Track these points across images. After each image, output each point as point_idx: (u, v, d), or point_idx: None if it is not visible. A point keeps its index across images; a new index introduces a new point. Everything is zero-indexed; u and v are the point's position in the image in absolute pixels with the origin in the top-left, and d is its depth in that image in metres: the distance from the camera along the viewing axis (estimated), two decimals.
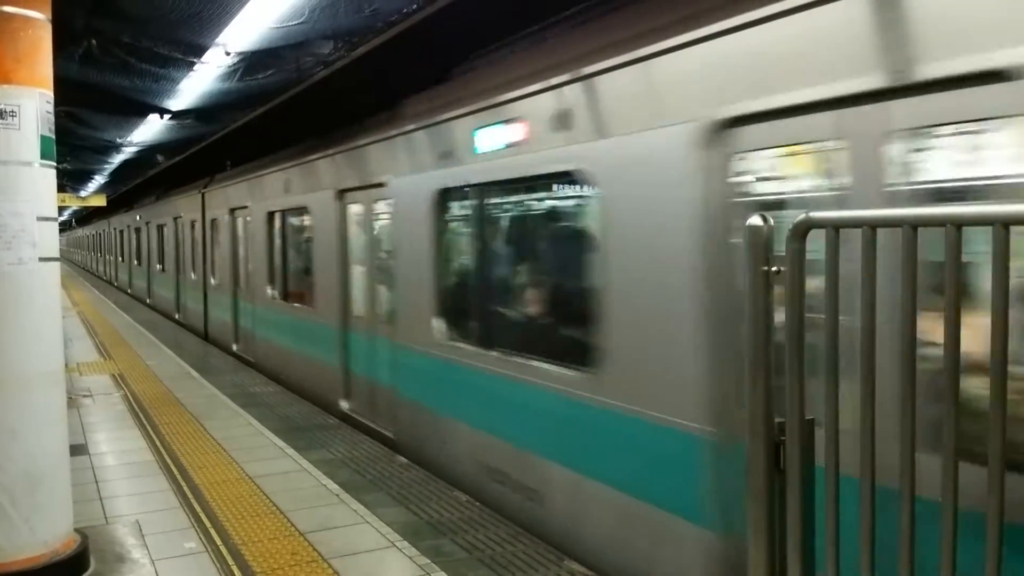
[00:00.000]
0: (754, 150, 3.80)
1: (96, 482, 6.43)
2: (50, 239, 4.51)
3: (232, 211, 13.65)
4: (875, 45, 3.15)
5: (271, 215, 11.57)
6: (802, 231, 2.39)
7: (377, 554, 4.93)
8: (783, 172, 3.82)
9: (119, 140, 14.27)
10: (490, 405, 5.95)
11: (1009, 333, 1.95)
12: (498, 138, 5.76)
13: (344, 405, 8.87)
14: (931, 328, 2.39)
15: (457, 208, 6.77)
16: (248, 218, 12.75)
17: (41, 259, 4.42)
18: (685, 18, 4.14)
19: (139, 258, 25.64)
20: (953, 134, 3.09)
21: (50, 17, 4.50)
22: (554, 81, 5.08)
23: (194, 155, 16.60)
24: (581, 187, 5.18)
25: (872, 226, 2.22)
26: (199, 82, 8.87)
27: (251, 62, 7.86)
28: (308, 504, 5.82)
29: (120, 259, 31.94)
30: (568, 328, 5.48)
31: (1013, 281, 1.97)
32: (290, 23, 6.50)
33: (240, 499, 5.94)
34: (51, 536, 4.48)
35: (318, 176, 9.42)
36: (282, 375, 11.02)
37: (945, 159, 3.16)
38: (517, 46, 6.33)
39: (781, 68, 3.56)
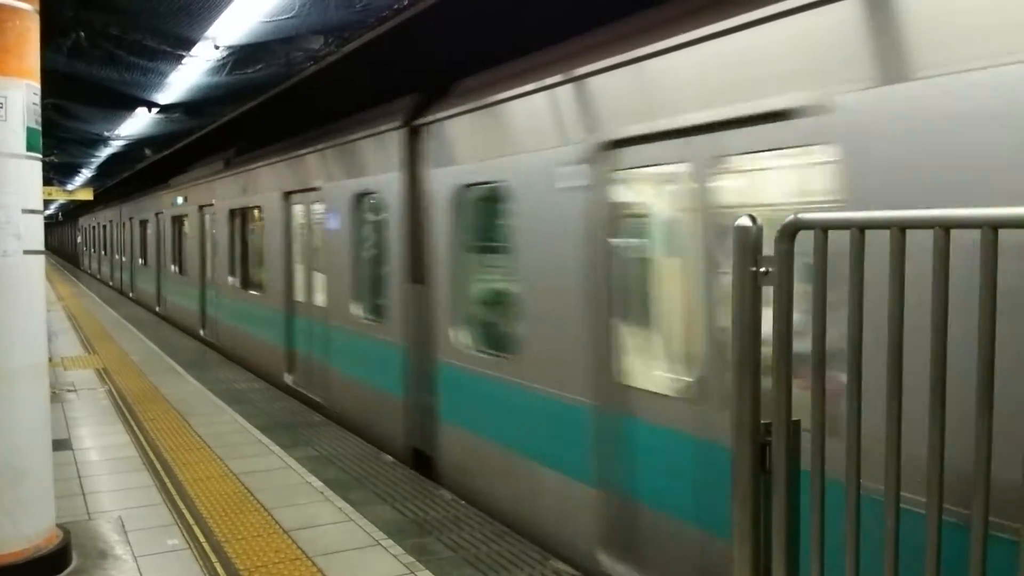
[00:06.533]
0: None
1: (79, 477, 6.37)
2: (35, 232, 4.47)
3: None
4: None
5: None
6: (790, 232, 2.39)
7: (362, 552, 4.91)
8: None
9: (106, 133, 14.18)
10: None
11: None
12: None
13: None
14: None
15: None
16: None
17: (26, 252, 4.38)
18: None
19: None
20: None
21: (38, 8, 4.46)
22: None
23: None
24: None
25: (860, 228, 2.23)
26: (188, 76, 8.82)
27: (240, 56, 7.82)
28: (293, 501, 5.79)
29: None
30: None
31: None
32: (280, 17, 6.47)
33: (224, 496, 5.90)
34: (33, 531, 4.45)
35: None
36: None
37: None
38: None
39: None
